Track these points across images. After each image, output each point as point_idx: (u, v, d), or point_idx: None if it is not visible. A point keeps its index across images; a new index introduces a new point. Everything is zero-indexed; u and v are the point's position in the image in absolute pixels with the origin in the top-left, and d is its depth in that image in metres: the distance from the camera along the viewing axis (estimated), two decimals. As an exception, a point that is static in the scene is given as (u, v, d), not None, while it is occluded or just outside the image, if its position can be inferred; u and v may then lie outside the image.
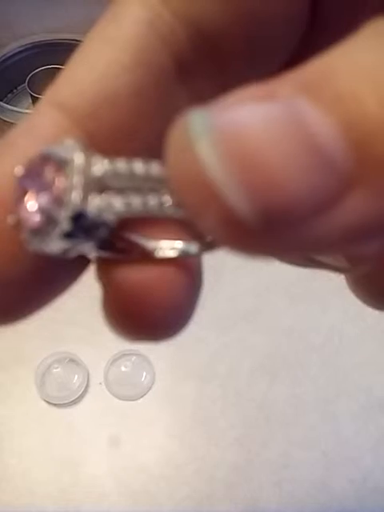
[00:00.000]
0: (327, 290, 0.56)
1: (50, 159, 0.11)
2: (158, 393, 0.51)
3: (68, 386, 0.52)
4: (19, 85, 0.73)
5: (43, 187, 0.11)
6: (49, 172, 0.11)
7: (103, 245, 0.12)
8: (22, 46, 0.74)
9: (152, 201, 0.11)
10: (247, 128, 0.08)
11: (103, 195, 0.11)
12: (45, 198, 0.11)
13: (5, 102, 0.70)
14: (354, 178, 0.08)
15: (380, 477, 0.48)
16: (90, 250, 0.12)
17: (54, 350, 0.53)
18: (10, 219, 0.12)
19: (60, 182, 0.11)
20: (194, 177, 0.09)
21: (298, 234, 0.09)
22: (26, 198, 0.11)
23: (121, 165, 0.11)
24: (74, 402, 0.51)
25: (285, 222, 0.08)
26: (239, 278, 0.58)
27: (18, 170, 0.12)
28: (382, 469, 0.48)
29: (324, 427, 0.50)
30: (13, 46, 0.74)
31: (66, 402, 0.51)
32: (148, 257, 0.12)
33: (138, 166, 0.11)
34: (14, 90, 0.74)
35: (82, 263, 0.13)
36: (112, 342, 0.52)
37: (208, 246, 0.12)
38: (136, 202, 0.11)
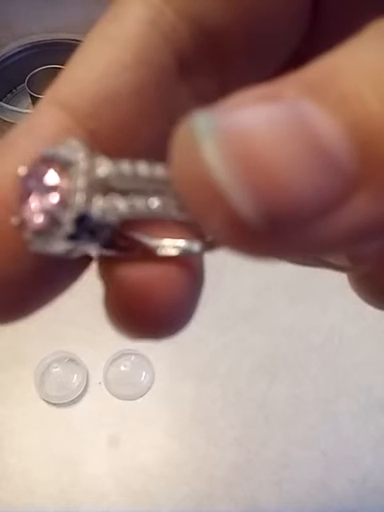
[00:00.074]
0: (327, 289, 0.56)
1: (54, 160, 0.11)
2: (158, 392, 0.51)
3: (67, 385, 0.52)
4: (19, 85, 0.73)
5: (47, 188, 0.11)
6: (53, 173, 0.11)
7: (106, 244, 0.12)
8: (22, 45, 0.74)
9: (156, 203, 0.11)
10: (252, 129, 0.08)
11: (107, 197, 0.11)
12: (49, 200, 0.11)
13: (4, 102, 0.70)
14: (358, 178, 0.08)
15: (380, 477, 0.48)
16: (92, 249, 0.12)
17: (54, 350, 0.53)
18: (14, 220, 0.12)
19: (64, 184, 0.11)
20: (198, 178, 0.09)
21: (303, 235, 0.09)
22: (30, 198, 0.11)
23: (125, 166, 0.11)
24: (74, 402, 0.51)
25: (290, 223, 0.08)
26: (239, 277, 0.58)
27: (22, 171, 0.12)
28: (382, 469, 0.48)
29: (324, 427, 0.50)
30: (12, 46, 0.74)
31: (66, 401, 0.51)
32: (150, 255, 0.12)
33: (142, 168, 0.11)
34: (14, 90, 0.74)
35: (83, 262, 0.13)
36: (111, 342, 0.52)
37: (210, 244, 0.12)
38: (140, 203, 0.11)
